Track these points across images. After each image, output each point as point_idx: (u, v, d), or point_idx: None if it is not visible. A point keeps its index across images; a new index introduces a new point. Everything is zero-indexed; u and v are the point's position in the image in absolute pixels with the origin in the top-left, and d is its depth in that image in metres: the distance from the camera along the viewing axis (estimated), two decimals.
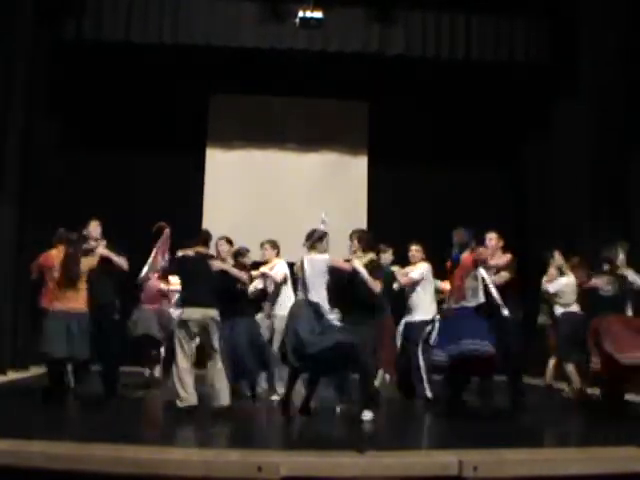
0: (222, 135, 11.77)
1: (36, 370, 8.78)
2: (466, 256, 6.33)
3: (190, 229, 11.00)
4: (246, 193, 11.44)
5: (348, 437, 5.27)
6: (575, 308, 7.47)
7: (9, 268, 8.78)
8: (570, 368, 7.28)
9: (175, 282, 8.08)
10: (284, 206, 11.35)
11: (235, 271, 6.61)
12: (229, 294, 6.41)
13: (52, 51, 9.81)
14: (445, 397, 6.46)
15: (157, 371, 8.52)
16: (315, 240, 6.05)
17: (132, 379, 8.23)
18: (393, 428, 5.94)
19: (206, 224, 11.27)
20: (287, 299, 6.96)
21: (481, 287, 6.20)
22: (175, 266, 6.58)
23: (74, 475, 3.75)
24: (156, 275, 8.21)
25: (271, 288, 7.24)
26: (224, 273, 6.42)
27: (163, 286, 8.37)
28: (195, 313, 5.93)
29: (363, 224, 11.15)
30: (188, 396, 5.84)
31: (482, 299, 6.16)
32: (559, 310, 7.50)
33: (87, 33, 9.69)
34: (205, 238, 6.36)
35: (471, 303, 6.16)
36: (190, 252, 6.20)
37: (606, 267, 6.75)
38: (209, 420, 5.68)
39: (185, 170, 11.59)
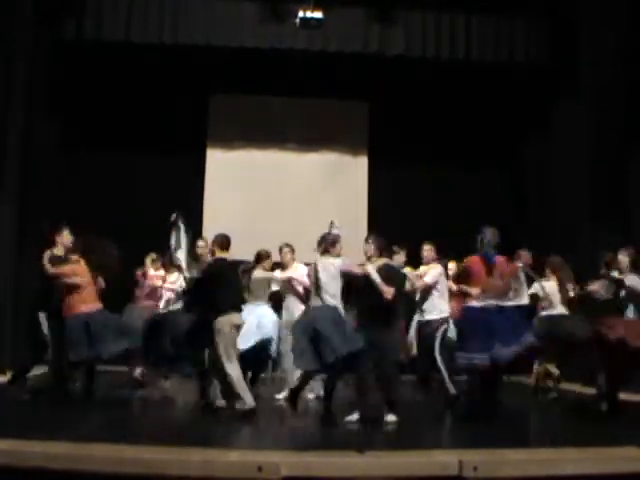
0: (222, 135, 11.76)
1: (36, 370, 8.75)
2: (502, 258, 6.36)
3: (191, 229, 11.13)
4: (246, 193, 11.43)
5: (348, 437, 5.27)
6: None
7: (9, 268, 8.78)
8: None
9: (172, 281, 8.11)
10: (284, 206, 11.35)
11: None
12: None
13: (52, 51, 9.80)
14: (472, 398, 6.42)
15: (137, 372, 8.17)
16: (328, 244, 6.07)
17: (130, 379, 8.23)
18: (393, 428, 5.93)
19: (206, 224, 11.29)
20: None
21: (525, 288, 6.34)
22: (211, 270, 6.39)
23: (74, 475, 3.75)
24: (153, 272, 8.21)
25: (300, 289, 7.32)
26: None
27: (157, 283, 8.25)
28: (239, 318, 6.06)
29: (363, 224, 11.17)
30: (251, 399, 5.83)
31: (525, 300, 6.29)
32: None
33: (87, 33, 9.68)
34: (228, 243, 6.35)
35: (513, 302, 6.18)
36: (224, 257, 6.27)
37: (603, 271, 6.74)
38: (209, 420, 5.68)
39: (185, 170, 11.58)
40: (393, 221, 11.11)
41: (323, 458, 4.08)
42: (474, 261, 6.38)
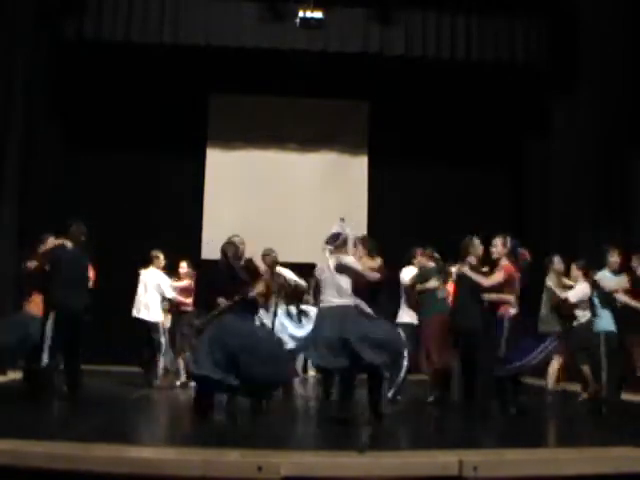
0: (222, 135, 11.77)
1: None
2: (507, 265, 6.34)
3: (190, 229, 11.16)
4: (246, 193, 11.43)
5: (348, 437, 5.27)
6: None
7: (9, 268, 8.77)
8: (587, 371, 7.36)
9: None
10: (284, 206, 11.36)
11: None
12: None
13: (52, 51, 9.81)
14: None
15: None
16: (340, 243, 6.07)
17: (130, 379, 8.24)
18: (393, 428, 5.93)
19: (206, 224, 11.32)
20: None
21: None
22: None
23: (74, 475, 3.75)
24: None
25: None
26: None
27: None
28: None
29: (363, 224, 11.17)
30: None
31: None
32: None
33: (87, 33, 9.70)
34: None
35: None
36: None
37: None
38: (210, 420, 5.68)
39: (185, 170, 11.59)
40: (393, 221, 11.13)
41: (323, 458, 4.08)
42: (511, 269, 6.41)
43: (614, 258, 6.79)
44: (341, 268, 5.80)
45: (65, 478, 3.74)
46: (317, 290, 6.17)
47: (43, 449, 3.95)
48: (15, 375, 8.47)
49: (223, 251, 6.06)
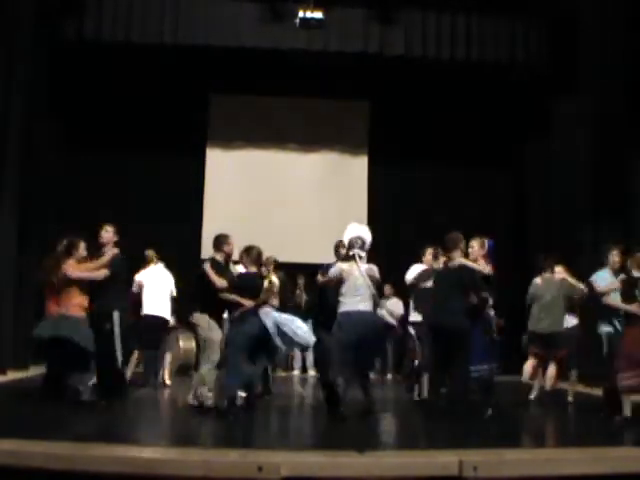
0: (222, 135, 11.77)
1: (36, 370, 8.77)
2: None
3: (190, 229, 11.16)
4: (246, 193, 11.44)
5: (348, 437, 5.27)
6: None
7: (9, 268, 8.77)
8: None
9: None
10: (284, 206, 11.36)
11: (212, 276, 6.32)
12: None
13: (52, 52, 9.80)
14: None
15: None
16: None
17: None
18: (393, 428, 5.93)
19: (206, 224, 11.31)
20: None
21: None
22: None
23: (74, 475, 3.75)
24: None
25: None
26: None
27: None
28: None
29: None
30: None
31: None
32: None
33: (87, 33, 9.69)
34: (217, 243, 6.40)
35: None
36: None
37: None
38: (210, 420, 5.68)
39: (185, 170, 11.59)
40: (393, 221, 11.13)
41: (323, 458, 4.08)
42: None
43: (615, 258, 6.71)
44: (372, 277, 5.93)
45: (65, 478, 3.74)
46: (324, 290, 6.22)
47: (43, 449, 3.95)
48: (15, 375, 8.51)
49: None
